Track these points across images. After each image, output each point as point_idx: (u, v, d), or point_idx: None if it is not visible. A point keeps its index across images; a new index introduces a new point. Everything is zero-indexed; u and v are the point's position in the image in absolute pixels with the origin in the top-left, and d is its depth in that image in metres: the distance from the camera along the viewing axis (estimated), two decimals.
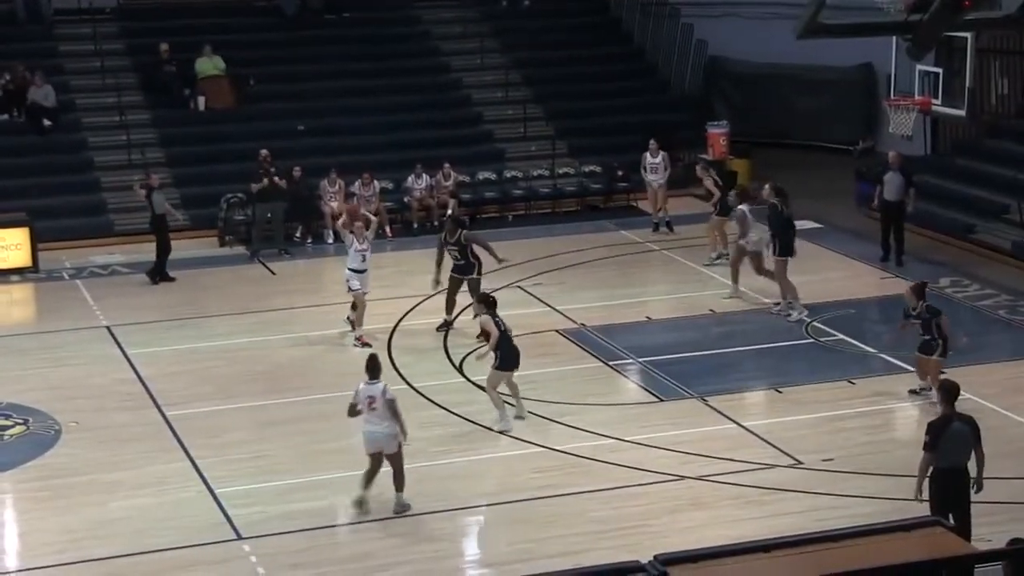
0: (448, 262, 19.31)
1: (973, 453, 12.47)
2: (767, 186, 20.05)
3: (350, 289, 19.01)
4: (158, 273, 21.92)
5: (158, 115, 26.77)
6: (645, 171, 24.48)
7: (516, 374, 16.18)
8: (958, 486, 12.27)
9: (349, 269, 19.01)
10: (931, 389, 15.81)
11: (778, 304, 19.75)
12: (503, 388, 16.18)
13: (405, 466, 14.14)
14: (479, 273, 19.25)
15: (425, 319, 19.82)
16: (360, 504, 14.06)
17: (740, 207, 20.11)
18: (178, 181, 25.59)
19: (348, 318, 19.35)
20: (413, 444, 15.13)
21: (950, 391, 12.52)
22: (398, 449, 13.97)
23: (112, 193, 25.05)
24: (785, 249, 19.51)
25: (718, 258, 21.89)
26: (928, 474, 12.36)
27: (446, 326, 19.24)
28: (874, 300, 20.93)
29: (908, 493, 12.72)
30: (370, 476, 14.07)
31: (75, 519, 14.23)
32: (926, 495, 12.40)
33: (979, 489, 12.52)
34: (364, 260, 18.91)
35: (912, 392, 16.64)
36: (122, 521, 14.12)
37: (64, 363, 18.66)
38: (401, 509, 14.04)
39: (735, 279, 20.41)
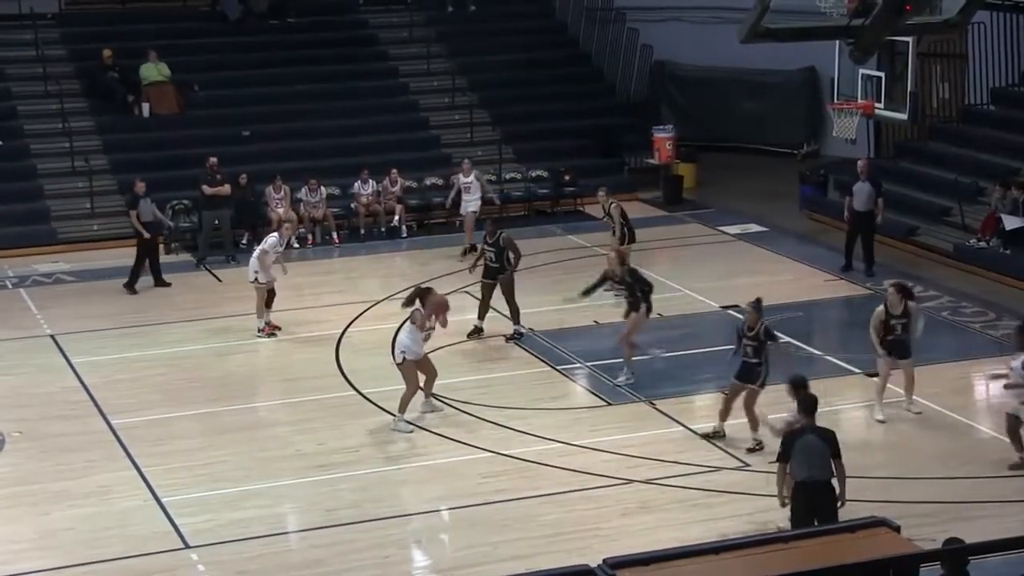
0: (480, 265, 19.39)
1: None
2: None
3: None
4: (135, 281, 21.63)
5: (102, 121, 26.55)
6: (466, 192, 23.56)
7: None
8: (817, 499, 12.38)
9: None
10: None
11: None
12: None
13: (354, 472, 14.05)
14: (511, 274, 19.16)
15: (373, 324, 19.79)
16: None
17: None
18: (123, 188, 25.35)
19: None
20: (361, 450, 15.09)
21: (810, 404, 12.76)
22: None
23: (55, 200, 24.84)
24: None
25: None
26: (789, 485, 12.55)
27: (477, 332, 19.11)
28: (820, 303, 21.08)
29: (853, 495, 12.82)
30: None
31: (19, 529, 14.10)
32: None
33: (842, 504, 12.53)
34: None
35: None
36: (67, 531, 14.01)
37: (7, 372, 18.46)
38: None
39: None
